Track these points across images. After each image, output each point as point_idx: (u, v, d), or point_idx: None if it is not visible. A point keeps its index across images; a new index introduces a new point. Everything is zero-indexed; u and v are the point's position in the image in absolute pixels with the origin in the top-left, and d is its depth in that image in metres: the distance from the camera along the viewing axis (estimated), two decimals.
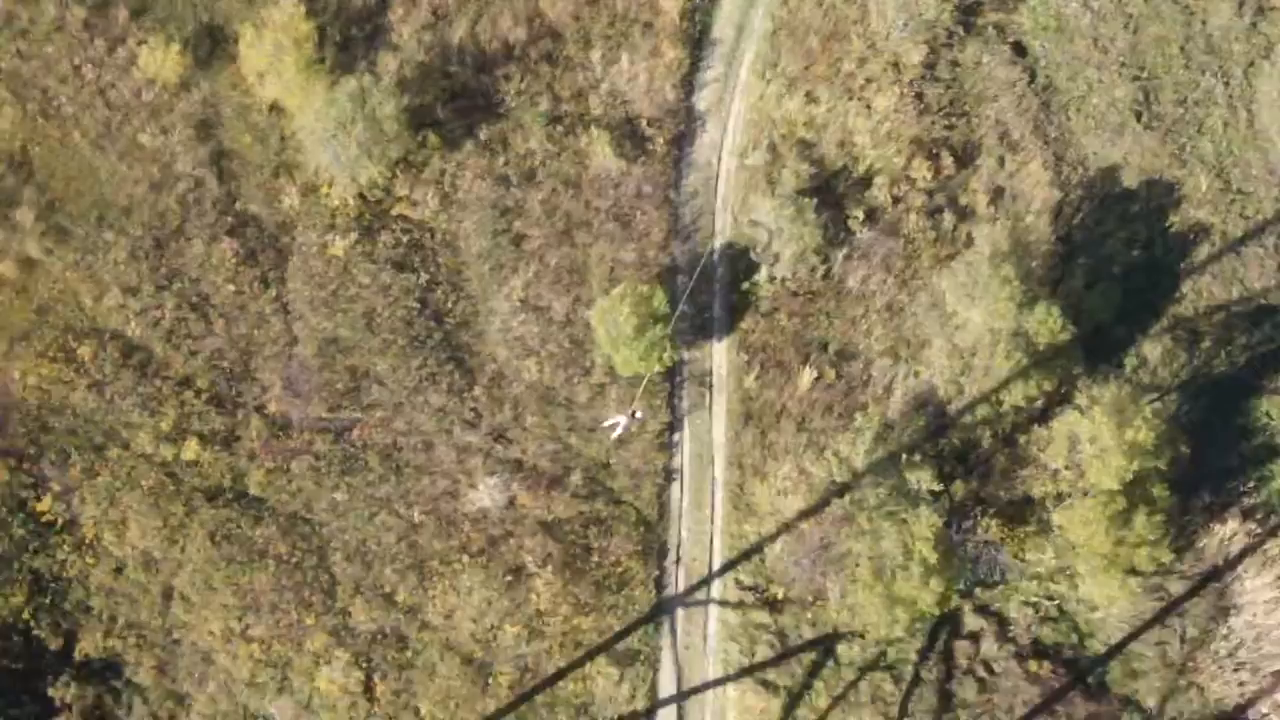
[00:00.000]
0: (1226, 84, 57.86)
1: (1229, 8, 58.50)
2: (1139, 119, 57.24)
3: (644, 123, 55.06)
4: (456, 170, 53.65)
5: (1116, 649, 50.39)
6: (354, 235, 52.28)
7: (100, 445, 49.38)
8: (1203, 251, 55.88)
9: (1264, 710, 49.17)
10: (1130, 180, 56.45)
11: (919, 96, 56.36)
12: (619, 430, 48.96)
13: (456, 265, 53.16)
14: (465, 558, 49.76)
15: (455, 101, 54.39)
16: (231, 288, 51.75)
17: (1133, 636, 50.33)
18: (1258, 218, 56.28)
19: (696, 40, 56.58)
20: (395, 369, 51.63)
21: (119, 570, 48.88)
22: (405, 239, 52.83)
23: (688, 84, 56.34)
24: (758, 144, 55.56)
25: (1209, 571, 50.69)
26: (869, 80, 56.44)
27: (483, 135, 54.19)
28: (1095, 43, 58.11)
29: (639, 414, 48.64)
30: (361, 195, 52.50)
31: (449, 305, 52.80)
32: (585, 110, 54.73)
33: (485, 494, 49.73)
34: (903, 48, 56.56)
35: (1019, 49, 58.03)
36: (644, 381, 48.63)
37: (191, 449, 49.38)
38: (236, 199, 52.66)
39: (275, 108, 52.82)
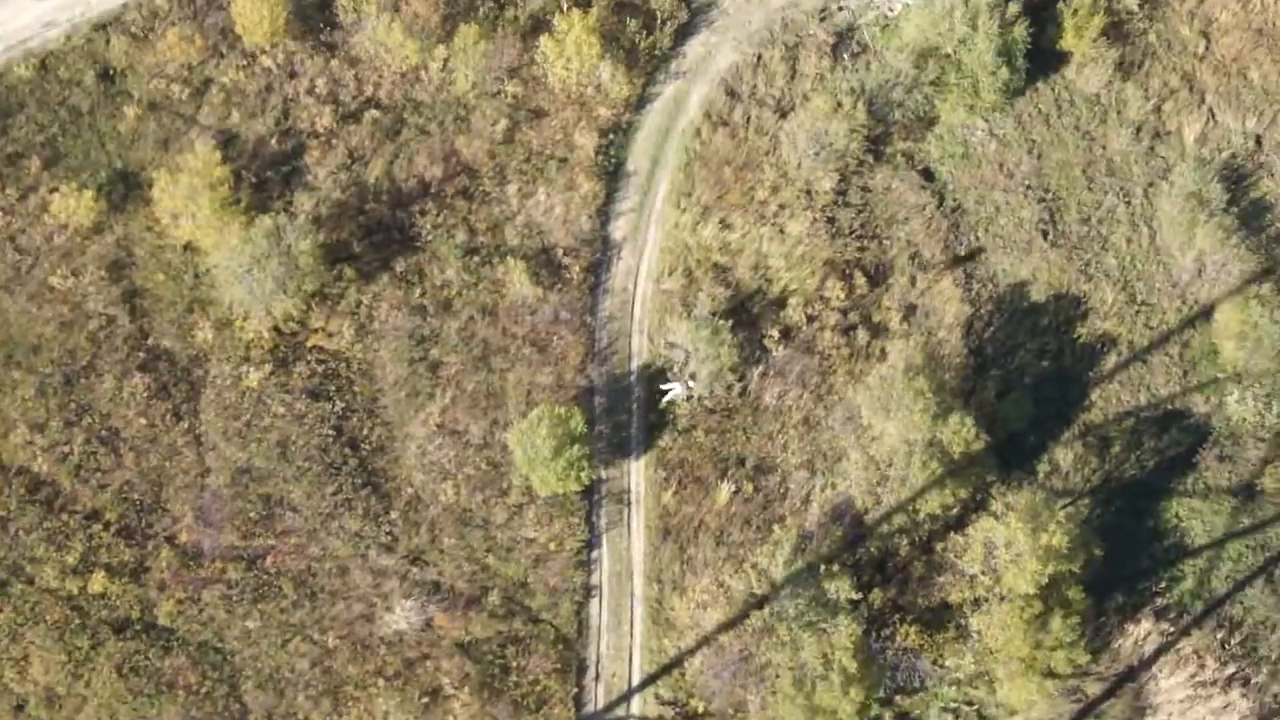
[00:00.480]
0: (1128, 203, 64.80)
1: (1128, 133, 65.98)
2: (1045, 237, 63.86)
3: (560, 252, 61.15)
4: (373, 302, 59.22)
5: None
6: (268, 367, 57.33)
7: (2, 581, 52.72)
8: (1110, 361, 61.55)
9: None
10: (1039, 295, 62.54)
11: (831, 221, 62.94)
12: (675, 394, 54.14)
13: (372, 393, 58.10)
14: (381, 681, 52.92)
15: (372, 236, 60.38)
16: (143, 421, 56.34)
17: None
18: (1161, 328, 62.28)
19: (612, 172, 63.29)
20: (310, 495, 55.90)
21: (19, 708, 51.43)
22: (320, 369, 57.92)
23: (604, 214, 62.62)
24: (673, 269, 61.58)
25: (1125, 672, 54.35)
26: (782, 206, 63.12)
27: (399, 268, 60.01)
28: (1001, 167, 65.23)
29: (692, 381, 52.44)
30: (276, 328, 57.76)
31: (365, 432, 57.48)
32: (501, 241, 60.91)
33: (401, 617, 53.28)
34: (814, 175, 63.37)
35: (927, 174, 65.02)
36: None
37: (99, 581, 52.87)
38: (149, 335, 57.83)
39: (190, 247, 58.52)
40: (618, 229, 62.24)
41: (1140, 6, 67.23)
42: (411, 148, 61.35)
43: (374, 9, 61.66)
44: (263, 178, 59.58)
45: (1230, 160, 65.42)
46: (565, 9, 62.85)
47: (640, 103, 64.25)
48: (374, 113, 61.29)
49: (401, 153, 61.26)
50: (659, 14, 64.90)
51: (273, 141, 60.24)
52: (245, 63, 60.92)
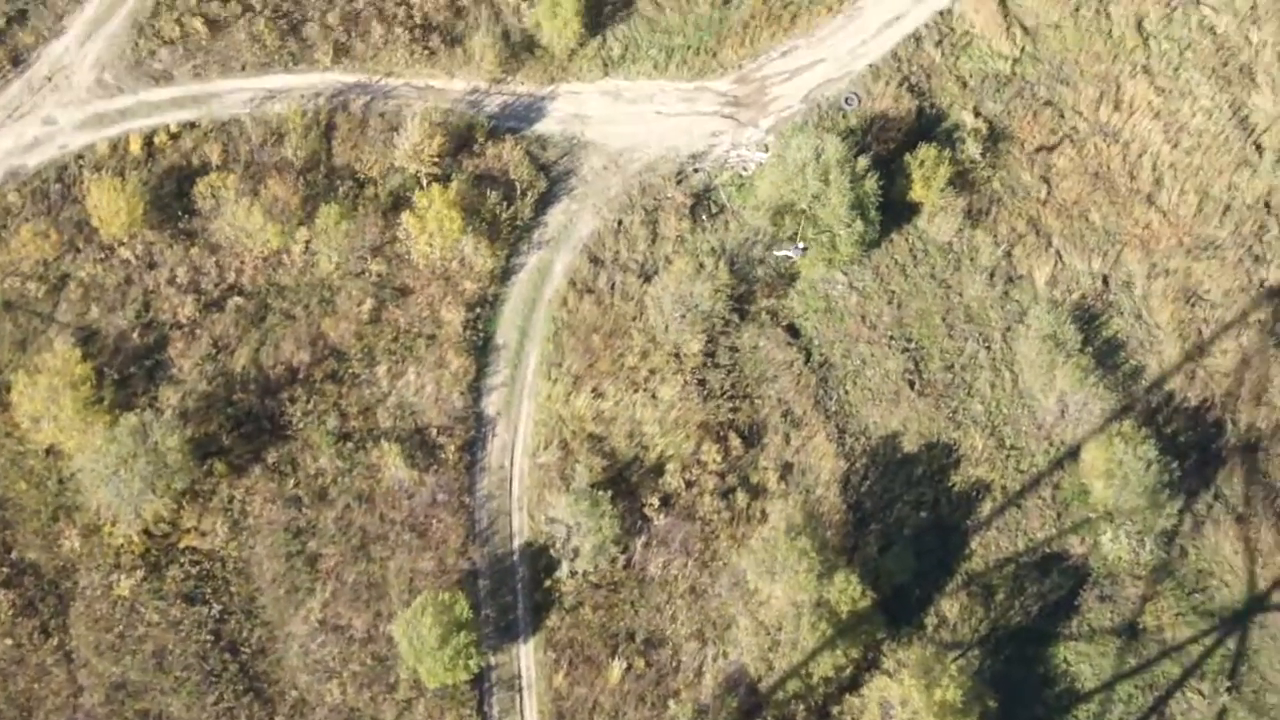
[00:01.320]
0: (988, 348, 76.98)
1: (982, 279, 78.44)
2: (912, 387, 75.42)
3: (434, 432, 69.91)
4: (245, 496, 67.00)
5: None
6: (140, 573, 64.30)
7: None
8: (986, 507, 72.96)
9: None
10: (911, 445, 73.81)
11: (702, 383, 73.38)
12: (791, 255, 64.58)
13: (250, 592, 65.55)
14: None
15: (241, 427, 68.28)
16: (9, 641, 62.43)
17: None
18: (1032, 470, 74.02)
19: (481, 347, 72.67)
20: (190, 707, 62.75)
21: None
22: (195, 571, 65.19)
23: (475, 390, 71.72)
24: (549, 442, 70.89)
25: None
26: (652, 371, 73.30)
27: (271, 459, 67.98)
28: (864, 319, 76.87)
29: (802, 245, 64.79)
30: (147, 531, 64.85)
31: (244, 634, 64.79)
32: (374, 425, 69.39)
33: None
34: (682, 338, 73.84)
35: (793, 330, 76.18)
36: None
37: None
38: (11, 548, 64.22)
39: (52, 451, 65.43)
40: (491, 404, 71.27)
41: (983, 155, 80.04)
42: (277, 333, 69.65)
43: (232, 194, 70.26)
44: (126, 374, 67.12)
45: (1081, 301, 77.97)
46: (425, 185, 72.52)
47: (505, 274, 73.83)
48: (237, 299, 69.58)
49: (267, 339, 69.56)
50: (518, 184, 74.97)
51: (134, 335, 67.99)
52: (103, 256, 68.84)
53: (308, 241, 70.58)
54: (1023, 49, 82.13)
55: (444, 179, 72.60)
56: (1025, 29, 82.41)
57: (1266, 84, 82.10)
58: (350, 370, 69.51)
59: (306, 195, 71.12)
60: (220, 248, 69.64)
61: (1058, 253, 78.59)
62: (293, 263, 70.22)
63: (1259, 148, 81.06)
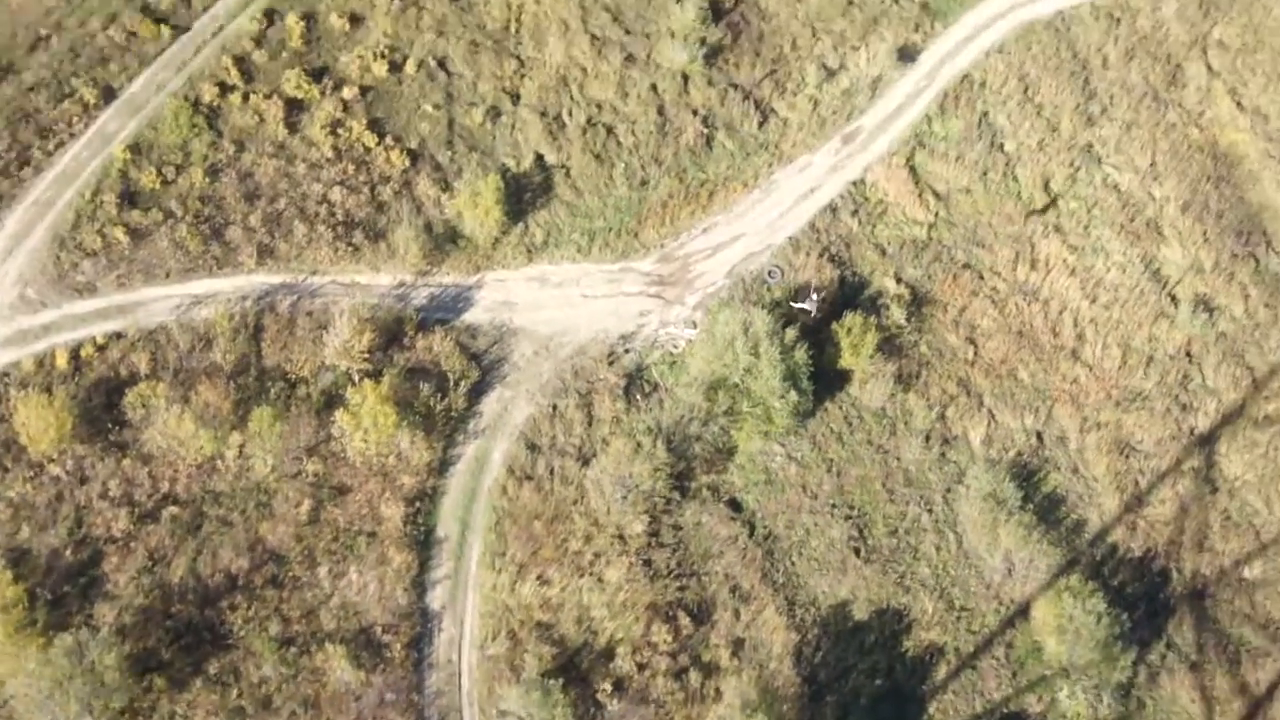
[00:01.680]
0: (930, 511, 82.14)
1: (918, 442, 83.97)
2: (858, 554, 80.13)
3: (379, 630, 73.06)
4: (187, 710, 69.42)
5: None
6: None
7: None
8: (941, 671, 77.17)
9: None
10: (861, 613, 78.18)
11: (648, 564, 77.51)
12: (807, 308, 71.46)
13: None
14: None
15: (181, 640, 70.92)
16: None
17: None
18: (984, 631, 78.56)
19: (422, 541, 76.36)
20: None
21: None
22: None
23: (419, 585, 75.16)
24: (496, 633, 74.27)
25: None
26: (597, 555, 77.34)
27: (212, 670, 70.61)
28: (804, 489, 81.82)
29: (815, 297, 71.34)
30: None
31: None
32: (318, 627, 72.44)
33: None
34: (625, 519, 78.14)
35: (735, 505, 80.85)
36: None
37: None
38: None
39: None
40: (435, 599, 74.71)
41: (908, 320, 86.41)
42: (215, 541, 72.92)
43: (163, 402, 74.07)
44: (59, 593, 69.77)
45: (1017, 458, 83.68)
46: (357, 381, 76.95)
47: (443, 466, 77.94)
48: (172, 509, 72.94)
49: (205, 547, 72.78)
50: (451, 375, 79.68)
51: (67, 553, 70.87)
52: (32, 474, 72.00)
53: (241, 446, 74.04)
54: (937, 214, 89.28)
55: (376, 374, 76.78)
56: (937, 195, 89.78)
57: (1174, 237, 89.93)
58: (291, 573, 72.52)
59: (238, 399, 74.80)
60: (153, 458, 72.96)
61: (990, 412, 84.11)
62: (227, 468, 73.60)
63: (1174, 299, 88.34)
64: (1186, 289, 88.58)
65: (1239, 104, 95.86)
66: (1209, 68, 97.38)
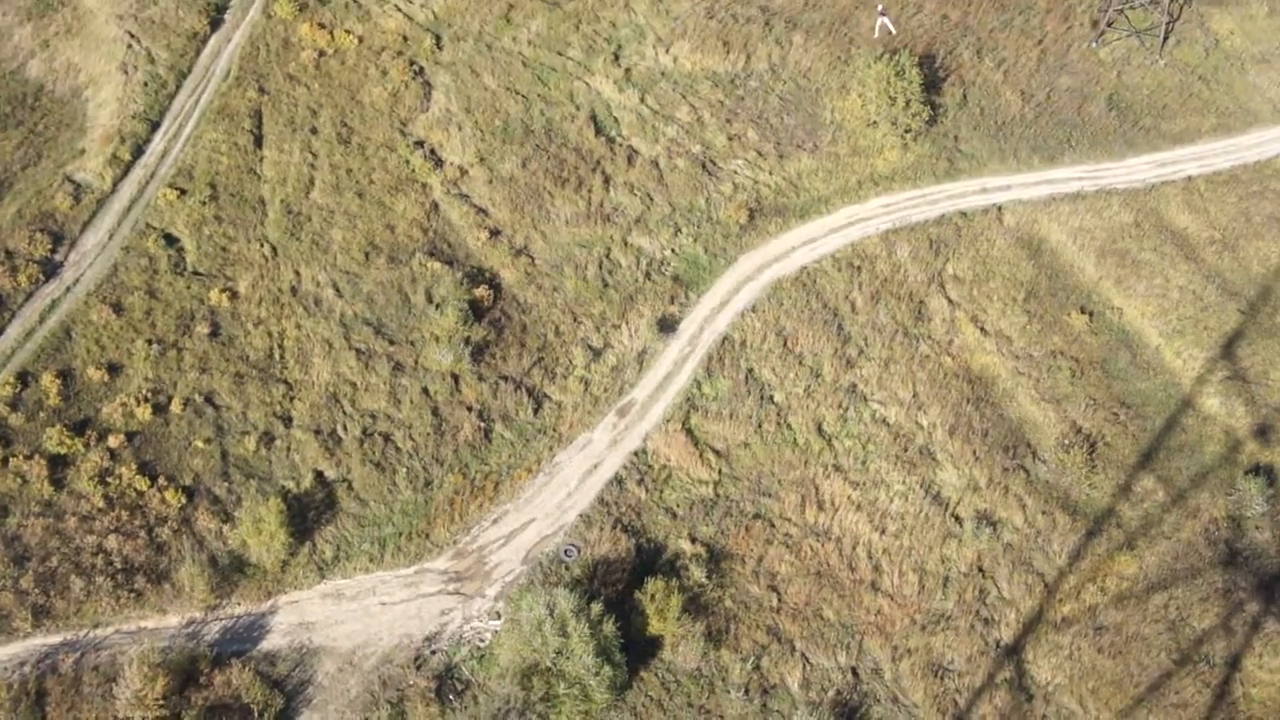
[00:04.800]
0: None
1: (738, 697, 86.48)
2: None
3: None
4: None
5: None
6: None
7: None
8: None
9: None
10: None
11: None
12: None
13: None
14: None
15: None
16: None
17: None
18: None
19: None
20: None
21: None
22: None
23: None
24: None
25: None
26: None
27: None
28: None
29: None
30: None
31: None
32: None
33: None
34: None
35: None
36: None
37: None
38: None
39: None
40: None
41: (709, 577, 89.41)
42: None
43: None
44: None
45: (837, 697, 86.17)
46: None
47: None
48: None
49: None
50: (254, 707, 79.51)
51: None
52: None
53: None
54: (720, 471, 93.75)
55: (175, 719, 75.29)
56: (717, 452, 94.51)
57: (946, 460, 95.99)
58: None
59: None
60: None
61: (803, 655, 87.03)
62: None
63: (958, 518, 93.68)
64: (967, 507, 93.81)
65: (982, 329, 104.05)
66: (949, 300, 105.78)
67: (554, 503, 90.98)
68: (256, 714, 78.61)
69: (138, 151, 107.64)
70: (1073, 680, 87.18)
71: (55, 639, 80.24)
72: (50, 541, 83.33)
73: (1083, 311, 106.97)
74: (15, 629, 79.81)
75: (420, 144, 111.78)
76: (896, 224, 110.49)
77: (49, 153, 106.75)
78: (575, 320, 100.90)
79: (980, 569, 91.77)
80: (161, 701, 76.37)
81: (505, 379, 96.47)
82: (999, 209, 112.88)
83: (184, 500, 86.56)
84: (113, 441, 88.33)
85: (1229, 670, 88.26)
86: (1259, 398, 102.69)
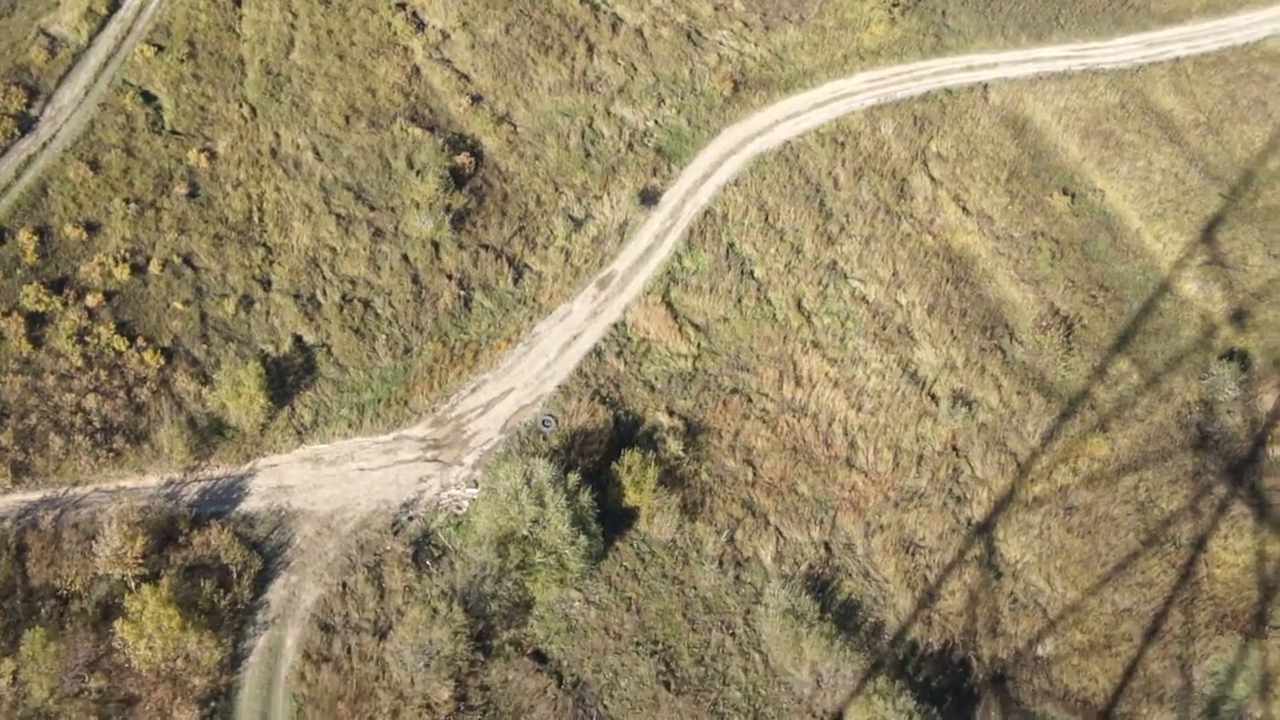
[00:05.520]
0: (733, 635, 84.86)
1: (712, 569, 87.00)
2: (668, 688, 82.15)
3: None
4: None
5: None
6: None
7: None
8: None
9: None
10: None
11: None
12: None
13: None
14: None
15: None
16: None
17: None
18: None
19: None
20: None
21: None
22: None
23: None
24: None
25: None
26: None
27: None
28: (607, 631, 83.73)
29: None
30: None
31: None
32: None
33: None
34: (430, 688, 78.71)
35: (540, 656, 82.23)
36: None
37: None
38: None
39: None
40: None
41: (685, 450, 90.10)
42: None
43: None
44: None
45: (810, 571, 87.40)
46: (134, 588, 76.49)
47: (235, 661, 77.67)
48: None
49: None
50: (233, 568, 79.84)
51: None
52: None
53: (15, 672, 72.86)
54: (699, 345, 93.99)
55: (153, 578, 76.48)
56: (696, 326, 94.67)
57: (924, 339, 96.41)
58: None
59: (6, 624, 73.77)
60: None
61: (777, 529, 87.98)
62: (1, 698, 72.03)
63: (934, 397, 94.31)
64: (944, 386, 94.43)
65: (964, 209, 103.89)
66: (932, 178, 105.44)
67: (533, 373, 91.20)
68: (235, 575, 79.17)
69: (114, 5, 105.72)
70: (1041, 559, 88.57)
71: (35, 495, 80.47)
72: (29, 399, 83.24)
73: (1065, 193, 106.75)
74: None
75: (402, 5, 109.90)
76: (881, 100, 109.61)
77: (23, 4, 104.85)
78: (557, 190, 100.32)
79: (954, 448, 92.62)
80: (141, 560, 76.77)
81: (485, 248, 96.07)
82: (985, 87, 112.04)
83: (163, 361, 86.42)
84: (91, 300, 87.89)
85: (1195, 551, 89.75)
86: (1236, 283, 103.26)
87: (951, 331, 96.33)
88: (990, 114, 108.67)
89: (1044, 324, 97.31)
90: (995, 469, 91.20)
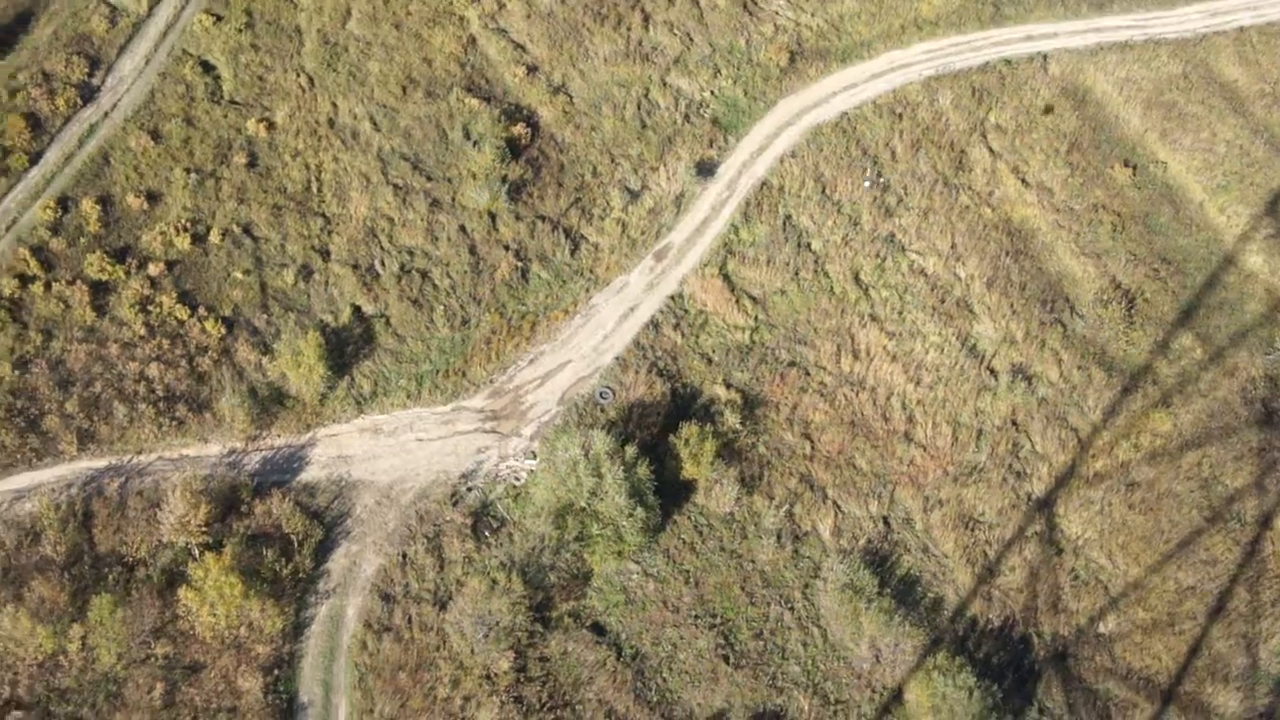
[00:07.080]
0: (792, 609, 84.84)
1: (770, 542, 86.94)
2: (727, 661, 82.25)
3: None
4: None
5: None
6: None
7: None
8: None
9: None
10: (739, 719, 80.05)
11: (519, 700, 78.50)
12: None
13: None
14: None
15: None
16: None
17: None
18: None
19: (285, 709, 76.10)
20: None
21: None
22: None
23: None
24: None
25: None
26: (467, 698, 78.12)
27: None
28: (665, 604, 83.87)
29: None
30: None
31: None
32: None
33: None
34: (490, 658, 79.12)
35: (599, 629, 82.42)
36: None
37: None
38: None
39: None
40: None
41: (743, 423, 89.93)
42: None
43: None
44: None
45: (869, 545, 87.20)
46: (198, 556, 77.14)
47: (297, 630, 78.22)
48: (16, 714, 71.67)
49: None
50: (294, 537, 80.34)
51: None
52: None
53: (84, 637, 73.56)
54: (756, 318, 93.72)
55: (216, 546, 77.04)
56: (754, 299, 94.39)
57: (984, 312, 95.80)
58: None
59: (74, 590, 74.36)
60: None
61: (835, 503, 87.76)
62: (71, 663, 72.86)
63: (993, 371, 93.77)
64: (1003, 360, 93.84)
65: (1024, 181, 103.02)
66: (991, 150, 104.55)
67: (590, 345, 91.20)
68: (297, 544, 79.77)
69: None
70: (1103, 535, 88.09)
71: (100, 463, 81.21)
72: (93, 367, 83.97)
73: (1126, 165, 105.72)
74: (61, 451, 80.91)
75: None
76: (939, 71, 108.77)
77: None
78: (613, 161, 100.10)
79: (1014, 423, 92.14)
80: (204, 528, 77.40)
81: (542, 219, 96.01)
82: (1044, 57, 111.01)
83: (224, 331, 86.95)
84: (153, 270, 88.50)
85: (1260, 529, 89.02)
86: None
87: (1011, 305, 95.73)
88: (1050, 85, 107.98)
89: (1105, 298, 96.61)
90: (1056, 444, 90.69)
